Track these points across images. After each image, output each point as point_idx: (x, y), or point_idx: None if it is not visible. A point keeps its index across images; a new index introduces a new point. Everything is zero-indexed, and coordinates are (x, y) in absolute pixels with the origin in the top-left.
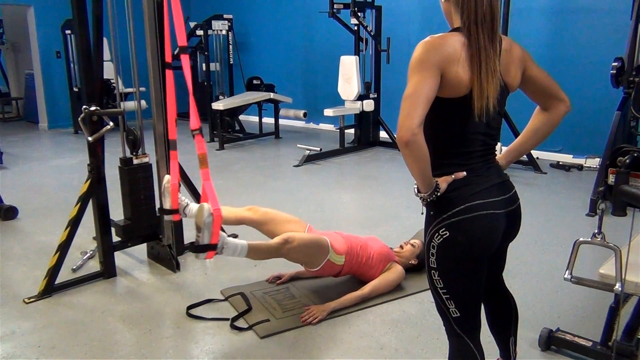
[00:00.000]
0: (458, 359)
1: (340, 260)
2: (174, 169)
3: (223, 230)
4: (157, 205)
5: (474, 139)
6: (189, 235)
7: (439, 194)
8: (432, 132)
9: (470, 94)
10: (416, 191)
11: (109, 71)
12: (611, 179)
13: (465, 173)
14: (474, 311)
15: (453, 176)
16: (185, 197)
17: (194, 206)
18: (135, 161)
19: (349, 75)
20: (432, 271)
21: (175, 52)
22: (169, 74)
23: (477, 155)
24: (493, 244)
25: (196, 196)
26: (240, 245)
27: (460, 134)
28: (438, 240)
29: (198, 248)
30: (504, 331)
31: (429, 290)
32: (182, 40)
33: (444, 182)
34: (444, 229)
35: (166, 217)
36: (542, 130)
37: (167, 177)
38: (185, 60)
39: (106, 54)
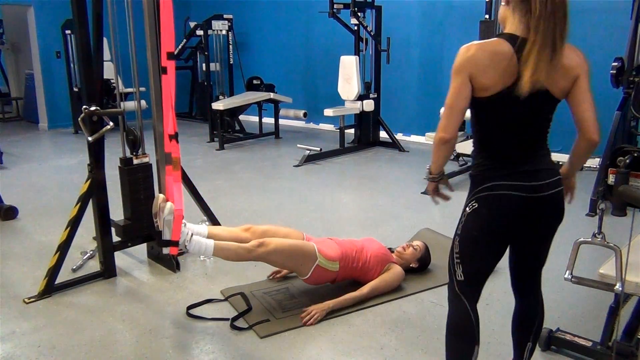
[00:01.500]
0: (455, 317)
1: (334, 267)
2: (178, 193)
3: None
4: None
5: (508, 132)
6: None
7: (440, 180)
8: (476, 122)
9: (497, 94)
10: (428, 172)
11: (109, 71)
12: (611, 179)
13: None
14: (476, 280)
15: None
16: (189, 229)
17: (197, 238)
18: (135, 161)
19: (349, 75)
20: (456, 236)
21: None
22: (166, 79)
23: (511, 146)
24: (511, 222)
25: (202, 204)
26: (205, 243)
27: (496, 127)
28: (469, 210)
29: (161, 242)
30: (524, 334)
31: (429, 290)
32: (169, 47)
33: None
34: (474, 201)
35: (164, 249)
36: (575, 153)
37: (169, 205)
38: (171, 67)
39: (106, 54)
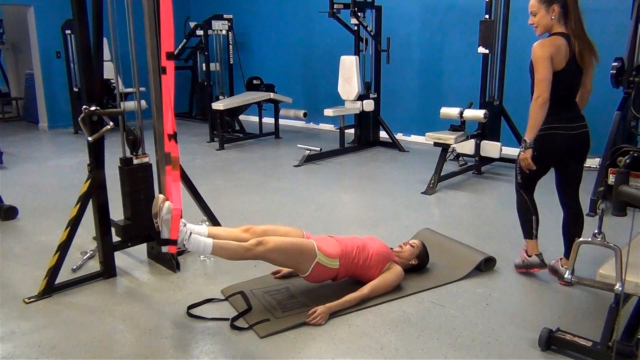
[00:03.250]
0: (520, 205)
1: (334, 264)
2: (177, 193)
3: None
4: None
5: (564, 92)
6: None
7: (530, 146)
8: (552, 89)
9: (560, 71)
10: (524, 142)
11: (109, 71)
12: (611, 179)
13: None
14: (529, 184)
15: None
16: (187, 229)
17: (196, 237)
18: (135, 161)
19: (349, 75)
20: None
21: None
22: (165, 79)
23: (563, 101)
24: (554, 152)
25: (202, 204)
26: (203, 242)
27: (559, 90)
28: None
29: (160, 241)
30: (565, 232)
31: (429, 290)
32: (168, 46)
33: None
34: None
35: (163, 249)
36: (580, 101)
37: (167, 204)
38: (170, 67)
39: (106, 54)
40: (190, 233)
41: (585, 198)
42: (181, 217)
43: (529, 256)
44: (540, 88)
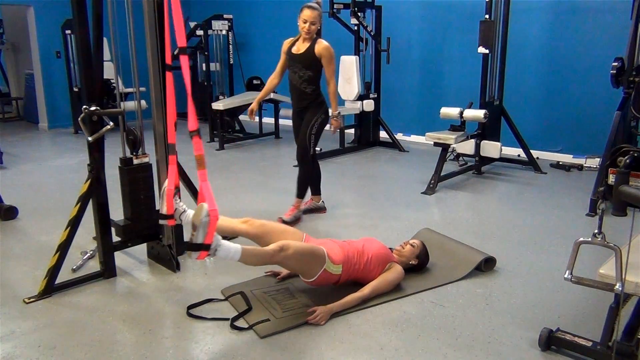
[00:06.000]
0: (315, 172)
1: (337, 270)
2: (172, 174)
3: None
4: (158, 207)
5: None
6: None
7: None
8: (320, 77)
9: None
10: (337, 114)
11: (109, 71)
12: (611, 179)
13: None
14: (316, 151)
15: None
16: (183, 203)
17: (191, 213)
18: (135, 161)
19: (349, 75)
20: (311, 134)
21: (175, 52)
22: (169, 76)
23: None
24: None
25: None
26: (233, 248)
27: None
28: (322, 118)
29: (192, 247)
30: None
31: (429, 290)
32: (181, 41)
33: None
34: (323, 113)
35: (161, 222)
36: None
37: (167, 182)
38: (184, 62)
39: (106, 54)
40: (221, 238)
41: (585, 198)
42: (218, 219)
43: (318, 202)
44: (334, 77)
